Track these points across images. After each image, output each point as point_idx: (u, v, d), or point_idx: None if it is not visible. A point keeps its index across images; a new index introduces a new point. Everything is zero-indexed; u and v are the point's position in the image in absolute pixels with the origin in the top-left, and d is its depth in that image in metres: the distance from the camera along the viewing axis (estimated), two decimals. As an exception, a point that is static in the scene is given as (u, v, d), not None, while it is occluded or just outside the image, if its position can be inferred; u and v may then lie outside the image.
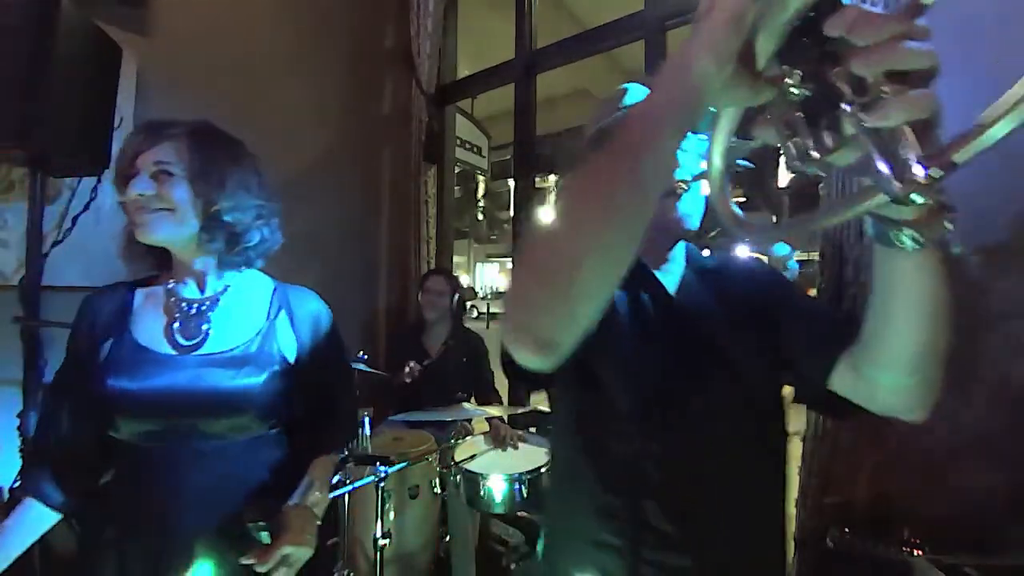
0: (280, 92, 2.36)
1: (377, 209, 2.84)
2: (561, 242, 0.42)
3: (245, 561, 0.75)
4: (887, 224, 0.43)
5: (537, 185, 2.79)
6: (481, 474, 1.63)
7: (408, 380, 2.07)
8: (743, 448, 0.69)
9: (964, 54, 1.19)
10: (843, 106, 0.33)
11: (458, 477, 1.68)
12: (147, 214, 0.83)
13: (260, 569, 0.74)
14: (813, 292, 1.48)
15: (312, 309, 0.98)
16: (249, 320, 0.91)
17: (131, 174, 0.82)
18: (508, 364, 0.61)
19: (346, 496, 1.60)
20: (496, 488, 1.62)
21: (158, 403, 0.81)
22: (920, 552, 1.15)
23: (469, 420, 2.05)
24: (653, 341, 0.71)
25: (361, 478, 1.45)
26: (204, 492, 0.82)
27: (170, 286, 0.90)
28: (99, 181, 1.66)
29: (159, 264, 0.92)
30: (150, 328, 0.87)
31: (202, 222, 0.86)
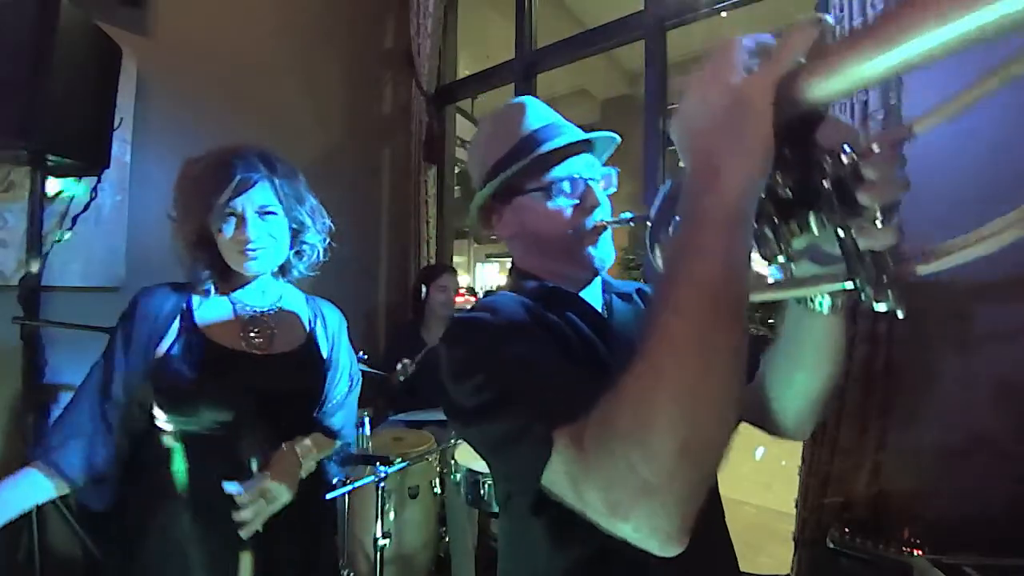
0: (280, 92, 2.37)
1: (377, 209, 2.84)
2: (688, 422, 0.35)
3: (227, 487, 0.81)
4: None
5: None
6: (481, 474, 1.63)
7: (402, 377, 2.07)
8: None
9: (964, 58, 1.19)
10: (820, 217, 0.38)
11: (458, 477, 1.67)
12: (258, 252, 0.93)
13: (240, 499, 0.82)
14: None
15: (337, 319, 1.13)
16: (299, 326, 1.05)
17: (233, 216, 0.91)
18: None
19: (346, 496, 1.60)
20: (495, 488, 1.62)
21: (235, 398, 0.89)
22: (920, 552, 1.15)
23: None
24: (598, 358, 0.66)
25: (361, 478, 1.45)
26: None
27: (233, 295, 1.00)
28: (99, 181, 1.66)
29: (215, 272, 0.98)
30: (223, 330, 0.96)
31: (294, 246, 1.00)
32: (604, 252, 0.71)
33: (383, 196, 2.86)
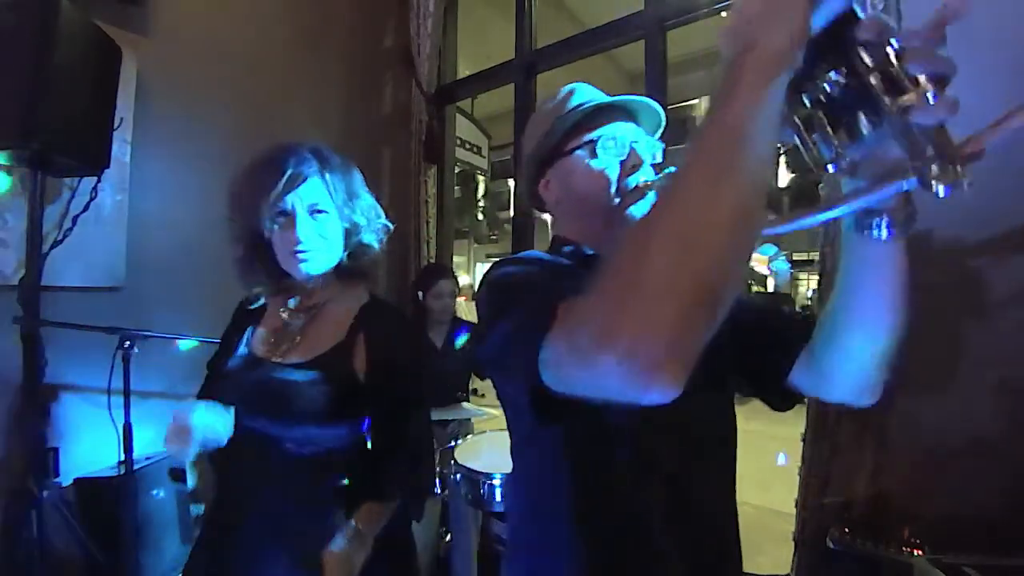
0: (280, 92, 2.36)
1: (377, 209, 2.84)
2: (688, 238, 0.35)
3: None
4: (869, 215, 0.47)
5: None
6: (482, 474, 1.63)
7: None
8: (726, 450, 0.72)
9: (964, 58, 1.19)
10: (870, 116, 0.37)
11: (458, 477, 1.67)
12: (308, 253, 0.88)
13: None
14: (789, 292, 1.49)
15: (392, 334, 0.96)
16: (333, 333, 0.93)
17: (283, 215, 0.87)
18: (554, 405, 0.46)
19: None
20: (496, 488, 1.62)
21: (248, 403, 0.87)
22: (920, 552, 1.15)
23: (469, 420, 2.05)
24: None
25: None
26: (267, 503, 0.85)
27: (284, 300, 0.96)
28: (99, 181, 1.66)
29: (273, 278, 0.95)
30: (262, 335, 0.95)
31: (347, 247, 0.94)
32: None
33: (383, 196, 2.84)
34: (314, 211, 0.89)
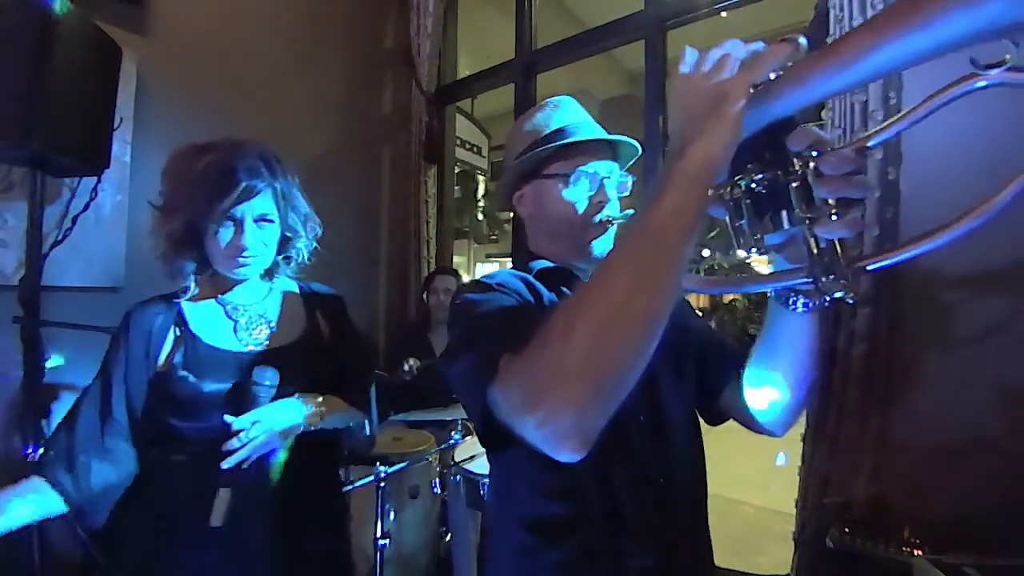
0: (280, 92, 2.37)
1: (377, 209, 2.84)
2: (604, 333, 0.41)
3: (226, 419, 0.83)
4: (788, 291, 0.55)
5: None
6: (481, 474, 1.63)
7: (408, 378, 2.07)
8: (694, 456, 0.76)
9: (964, 58, 1.19)
10: (790, 214, 0.43)
11: (458, 477, 1.67)
12: (250, 258, 0.92)
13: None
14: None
15: (334, 300, 1.10)
16: (297, 316, 1.03)
17: (231, 221, 0.90)
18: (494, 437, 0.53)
19: (346, 496, 1.60)
20: (496, 488, 1.62)
21: (243, 398, 0.88)
22: (920, 552, 1.15)
23: (469, 420, 2.05)
24: None
25: (361, 478, 1.45)
26: (258, 473, 0.88)
27: (221, 298, 0.98)
28: (99, 181, 1.66)
29: (199, 268, 0.96)
30: (218, 332, 0.95)
31: (280, 251, 0.99)
32: (606, 245, 0.77)
33: (383, 196, 2.86)
34: (261, 220, 0.92)
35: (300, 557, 0.90)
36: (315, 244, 1.06)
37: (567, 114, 0.82)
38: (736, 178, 0.45)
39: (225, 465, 0.82)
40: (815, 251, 0.43)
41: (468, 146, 5.31)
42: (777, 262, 0.54)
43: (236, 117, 2.12)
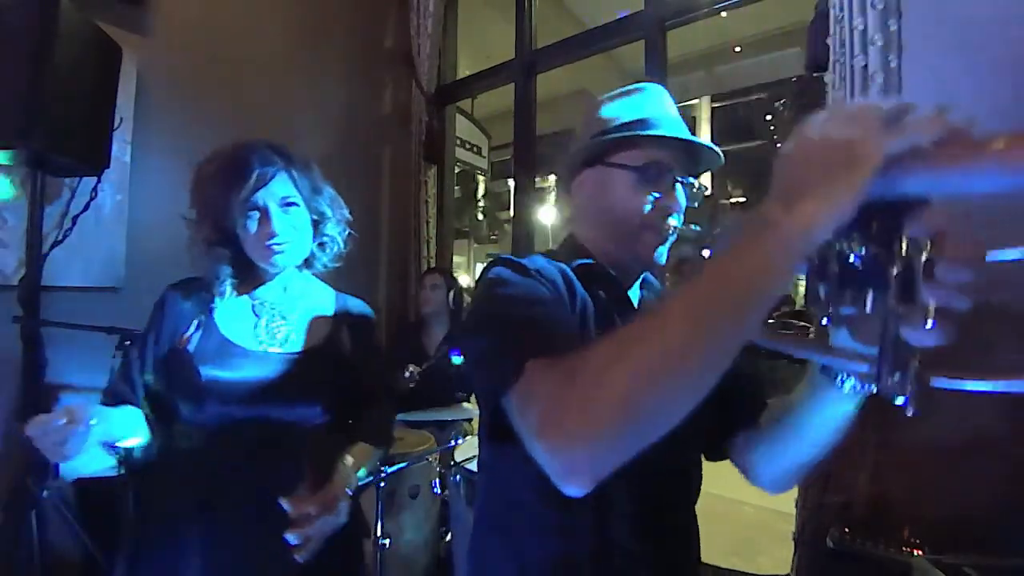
0: (280, 92, 2.36)
1: (377, 209, 2.84)
2: (648, 378, 0.38)
3: (283, 503, 0.77)
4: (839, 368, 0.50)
5: (537, 185, 2.79)
6: (481, 474, 1.63)
7: (411, 384, 2.07)
8: (695, 463, 0.74)
9: (964, 58, 1.19)
10: (877, 299, 0.38)
11: (458, 477, 1.67)
12: (284, 245, 0.91)
13: (292, 515, 0.77)
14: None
15: (364, 317, 1.07)
16: (322, 323, 1.00)
17: (256, 210, 0.90)
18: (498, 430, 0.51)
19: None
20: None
21: (245, 392, 0.88)
22: (920, 552, 1.15)
23: (469, 420, 2.05)
24: None
25: (361, 478, 1.45)
26: (265, 476, 0.87)
27: (254, 293, 0.98)
28: (99, 181, 1.66)
29: (237, 270, 0.96)
30: (239, 327, 0.95)
31: (316, 240, 0.98)
32: (661, 254, 0.72)
33: (383, 196, 2.86)
34: (285, 204, 0.92)
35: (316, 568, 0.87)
36: (348, 230, 1.04)
37: (652, 104, 0.74)
38: (833, 240, 0.39)
39: (299, 558, 0.78)
40: (891, 348, 0.38)
41: (468, 146, 5.31)
42: (838, 335, 0.48)
43: (236, 117, 2.12)
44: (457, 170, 3.16)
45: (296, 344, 0.96)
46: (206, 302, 0.95)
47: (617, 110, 0.73)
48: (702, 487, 0.76)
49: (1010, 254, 0.39)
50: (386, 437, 1.06)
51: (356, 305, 1.08)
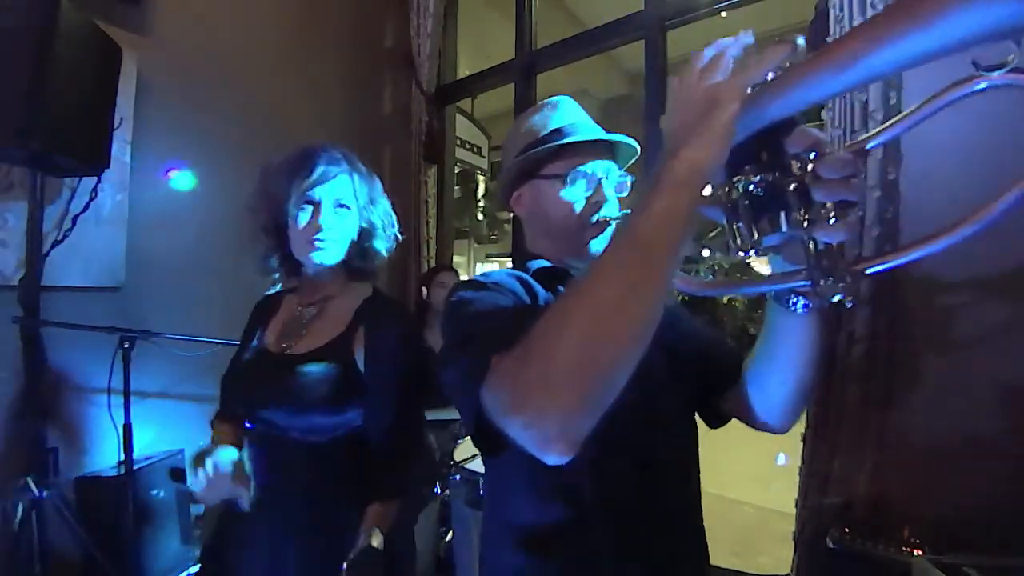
0: (280, 92, 2.37)
1: (377, 209, 2.85)
2: (592, 339, 0.41)
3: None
4: (788, 292, 0.55)
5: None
6: (482, 474, 1.63)
7: None
8: (690, 459, 0.75)
9: (964, 58, 1.19)
10: (788, 217, 0.42)
11: (458, 477, 1.67)
12: (326, 242, 0.94)
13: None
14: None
15: (389, 327, 0.97)
16: (335, 325, 0.97)
17: (310, 204, 0.93)
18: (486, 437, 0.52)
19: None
20: (496, 488, 1.62)
21: (256, 395, 0.92)
22: (920, 552, 1.15)
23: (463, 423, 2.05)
24: None
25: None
26: (277, 487, 0.89)
27: (290, 296, 1.03)
28: (99, 181, 1.67)
29: (293, 272, 1.01)
30: (272, 331, 1.00)
31: (358, 244, 0.99)
32: (603, 245, 0.73)
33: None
34: (339, 205, 0.95)
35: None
36: (393, 245, 1.06)
37: (565, 114, 0.81)
38: (733, 180, 0.44)
39: None
40: (814, 254, 0.43)
41: (468, 146, 5.31)
42: (776, 263, 0.53)
43: (236, 117, 2.12)
44: (457, 170, 3.16)
45: (303, 346, 0.95)
46: (272, 310, 1.02)
47: (535, 125, 0.81)
48: (702, 488, 0.76)
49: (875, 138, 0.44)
50: (399, 488, 0.94)
51: (384, 300, 1.03)
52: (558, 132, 0.78)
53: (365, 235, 0.99)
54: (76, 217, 1.65)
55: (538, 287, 0.72)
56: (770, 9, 1.87)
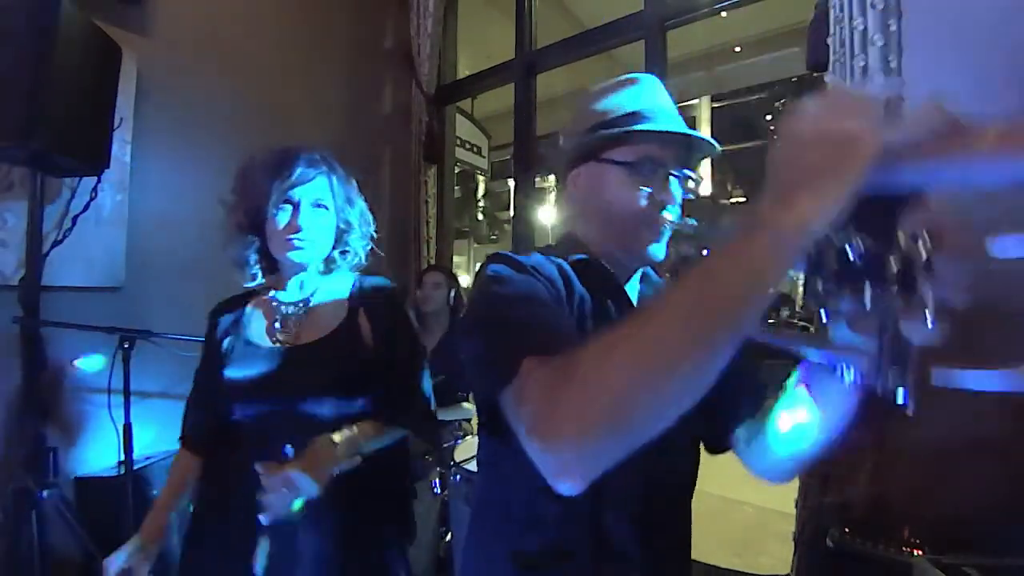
0: (280, 92, 2.37)
1: (377, 209, 2.84)
2: (642, 384, 0.37)
3: (256, 467, 0.81)
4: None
5: (537, 185, 2.79)
6: (481, 474, 1.63)
7: None
8: (691, 461, 0.74)
9: (964, 58, 1.19)
10: (876, 295, 0.37)
11: (458, 477, 1.67)
12: (304, 242, 0.95)
13: (263, 481, 0.81)
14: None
15: (381, 293, 1.06)
16: (336, 314, 1.01)
17: (288, 203, 0.95)
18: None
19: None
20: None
21: (262, 389, 0.93)
22: (920, 552, 1.15)
23: (469, 420, 2.05)
24: None
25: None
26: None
27: (273, 294, 1.03)
28: (99, 181, 1.66)
29: (270, 270, 1.02)
30: (257, 328, 1.01)
31: (335, 244, 1.02)
32: (659, 248, 0.71)
33: (383, 196, 2.86)
34: (317, 205, 0.97)
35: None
36: (371, 244, 1.09)
37: (645, 96, 0.73)
38: (831, 234, 0.38)
39: (262, 520, 0.81)
40: (890, 343, 0.38)
41: (468, 146, 5.31)
42: (838, 328, 0.46)
43: (236, 117, 2.12)
44: (457, 170, 3.16)
45: (307, 336, 0.98)
46: (240, 311, 1.02)
47: (610, 103, 0.72)
48: (702, 488, 0.75)
49: (1011, 245, 0.39)
50: (405, 422, 1.01)
51: (372, 282, 1.07)
52: (635, 116, 0.70)
53: (342, 234, 1.02)
54: (76, 217, 1.65)
55: (575, 279, 0.67)
56: (770, 9, 1.87)
